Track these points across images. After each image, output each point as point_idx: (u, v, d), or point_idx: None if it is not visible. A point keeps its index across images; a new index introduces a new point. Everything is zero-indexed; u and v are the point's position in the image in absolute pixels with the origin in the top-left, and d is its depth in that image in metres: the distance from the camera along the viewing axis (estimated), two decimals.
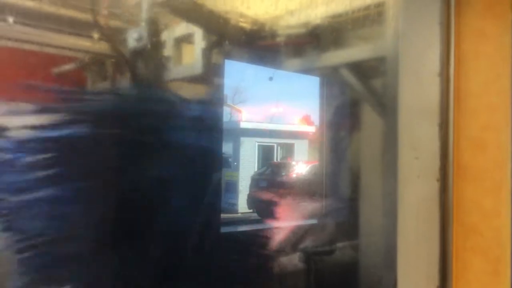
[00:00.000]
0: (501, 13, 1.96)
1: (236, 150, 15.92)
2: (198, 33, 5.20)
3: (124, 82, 6.21)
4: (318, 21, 4.96)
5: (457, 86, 2.03)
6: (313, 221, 5.71)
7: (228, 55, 5.23)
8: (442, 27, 2.07)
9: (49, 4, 4.52)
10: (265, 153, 16.47)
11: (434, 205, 2.03)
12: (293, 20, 5.02)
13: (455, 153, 2.02)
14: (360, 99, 5.63)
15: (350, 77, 5.55)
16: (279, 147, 16.88)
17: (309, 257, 4.91)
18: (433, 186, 2.04)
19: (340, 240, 5.18)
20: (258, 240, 5.14)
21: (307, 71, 5.92)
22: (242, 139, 15.94)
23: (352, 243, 5.03)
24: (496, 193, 1.93)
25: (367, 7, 4.32)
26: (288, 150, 16.90)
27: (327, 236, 5.33)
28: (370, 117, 5.47)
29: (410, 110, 2.15)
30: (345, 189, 5.69)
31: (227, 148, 16.26)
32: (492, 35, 1.98)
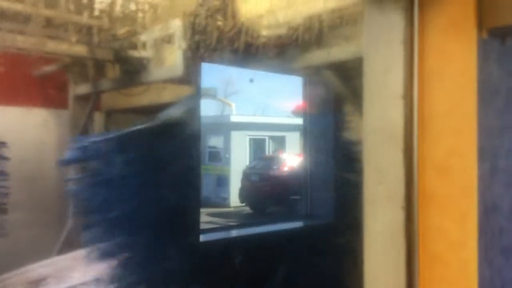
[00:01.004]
0: (466, 31, 1.86)
1: (227, 144, 15.78)
2: (178, 34, 5.12)
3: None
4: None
5: (421, 109, 1.94)
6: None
7: (207, 58, 5.13)
8: (405, 46, 1.98)
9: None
10: (257, 147, 16.34)
11: (399, 233, 1.95)
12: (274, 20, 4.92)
13: (420, 179, 1.93)
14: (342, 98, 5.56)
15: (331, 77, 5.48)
16: (270, 140, 16.75)
17: None
18: (398, 213, 1.96)
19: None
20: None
21: (287, 71, 5.83)
22: (233, 132, 15.79)
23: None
24: (462, 222, 1.85)
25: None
26: (280, 143, 16.78)
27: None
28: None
29: (374, 134, 2.06)
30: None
31: (218, 142, 16.14)
32: (457, 55, 1.88)
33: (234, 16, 4.63)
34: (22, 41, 4.43)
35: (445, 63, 1.91)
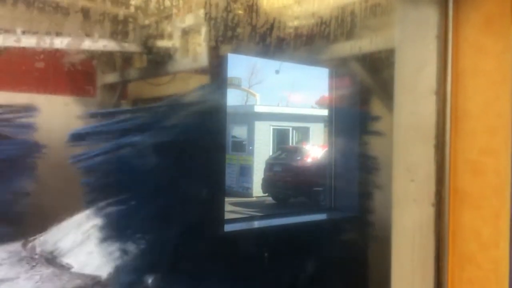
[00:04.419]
0: (502, 28, 1.81)
1: (251, 134, 15.81)
2: (205, 25, 5.13)
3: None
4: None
5: (454, 106, 1.90)
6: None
7: (233, 49, 5.14)
8: (439, 41, 1.94)
9: None
10: (280, 137, 16.34)
11: (429, 232, 1.92)
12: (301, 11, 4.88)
13: (452, 177, 1.90)
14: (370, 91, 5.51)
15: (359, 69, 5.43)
16: (294, 131, 16.73)
17: None
18: (429, 211, 1.93)
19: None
20: None
21: (313, 63, 5.79)
22: (257, 122, 15.81)
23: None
24: (494, 221, 1.81)
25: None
26: (304, 133, 16.74)
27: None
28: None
29: (405, 129, 2.03)
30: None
31: (241, 131, 16.18)
32: (492, 51, 1.84)
33: (265, 11, 4.61)
34: (60, 42, 4.50)
35: (479, 59, 1.87)
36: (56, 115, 5.45)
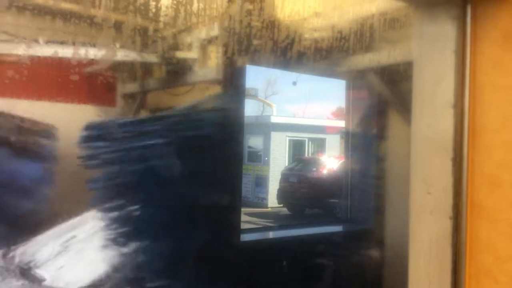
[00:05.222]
0: None
1: (267, 144, 15.86)
2: (224, 37, 5.20)
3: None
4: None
5: (472, 120, 1.92)
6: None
7: (252, 61, 5.19)
8: (457, 55, 1.96)
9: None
10: (296, 148, 16.36)
11: (446, 244, 1.94)
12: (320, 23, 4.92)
13: (469, 190, 1.91)
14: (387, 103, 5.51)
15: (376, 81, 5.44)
16: (310, 142, 16.74)
17: None
18: (446, 224, 1.95)
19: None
20: None
21: (331, 74, 5.82)
22: (273, 133, 15.86)
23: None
24: (510, 235, 1.82)
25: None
26: (320, 145, 16.74)
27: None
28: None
29: (422, 142, 2.06)
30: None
31: (257, 142, 16.23)
32: (510, 66, 1.86)
33: (284, 24, 4.66)
34: (94, 54, 4.61)
35: (498, 75, 1.89)
36: (76, 124, 5.53)
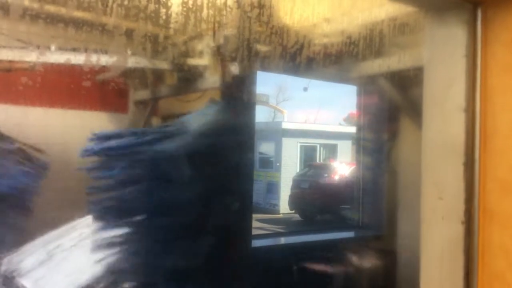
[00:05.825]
0: None
1: (278, 150, 15.84)
2: (233, 44, 5.21)
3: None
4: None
5: (484, 124, 1.91)
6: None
7: (262, 67, 5.20)
8: (467, 59, 1.95)
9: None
10: (308, 154, 16.31)
11: (458, 249, 1.92)
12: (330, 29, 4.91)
13: (481, 195, 1.90)
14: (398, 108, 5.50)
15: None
16: (321, 148, 16.69)
17: None
18: (458, 229, 1.93)
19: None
20: None
21: (342, 80, 5.82)
22: (284, 139, 15.84)
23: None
24: None
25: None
26: (331, 151, 16.68)
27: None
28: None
29: (433, 147, 2.04)
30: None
31: (268, 148, 16.22)
32: None
33: (295, 30, 4.66)
34: (106, 61, 4.66)
35: (509, 78, 1.87)
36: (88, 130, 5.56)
